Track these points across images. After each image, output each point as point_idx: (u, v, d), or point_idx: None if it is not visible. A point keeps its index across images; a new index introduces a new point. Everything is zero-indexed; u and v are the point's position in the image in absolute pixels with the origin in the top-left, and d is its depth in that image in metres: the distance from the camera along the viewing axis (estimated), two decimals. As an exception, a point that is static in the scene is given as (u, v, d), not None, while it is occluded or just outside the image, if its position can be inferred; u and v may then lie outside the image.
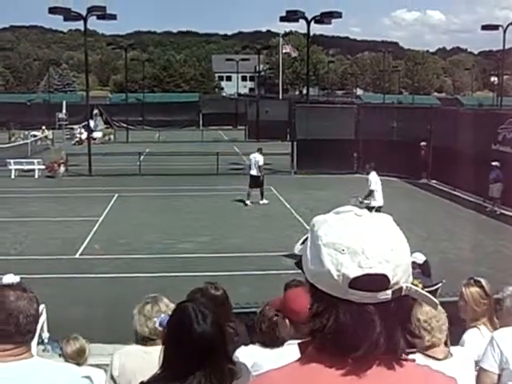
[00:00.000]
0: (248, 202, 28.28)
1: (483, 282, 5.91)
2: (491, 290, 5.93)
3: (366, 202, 21.11)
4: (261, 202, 28.48)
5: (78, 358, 7.41)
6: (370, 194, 21.38)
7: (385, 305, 1.77)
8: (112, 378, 5.06)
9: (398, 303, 1.79)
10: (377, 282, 1.74)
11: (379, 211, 20.77)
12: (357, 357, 1.76)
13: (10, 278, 9.22)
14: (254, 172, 28.91)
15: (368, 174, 21.97)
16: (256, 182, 28.78)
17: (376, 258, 1.74)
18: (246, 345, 5.78)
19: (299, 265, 1.97)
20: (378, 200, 21.32)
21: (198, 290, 6.14)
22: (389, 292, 1.76)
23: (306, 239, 1.90)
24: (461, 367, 4.61)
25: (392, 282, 1.76)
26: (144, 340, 5.26)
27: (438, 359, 4.62)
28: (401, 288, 1.79)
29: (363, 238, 1.77)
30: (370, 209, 20.56)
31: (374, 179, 21.53)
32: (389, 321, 1.77)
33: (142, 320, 5.27)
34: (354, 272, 1.73)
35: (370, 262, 1.74)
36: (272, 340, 5.02)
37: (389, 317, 1.77)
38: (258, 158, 29.06)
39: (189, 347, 3.50)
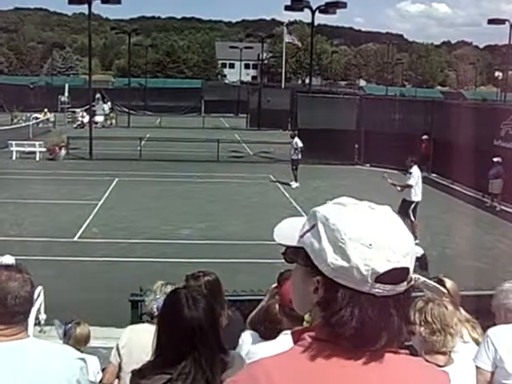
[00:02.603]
0: (297, 184, 30.07)
1: (448, 283, 5.88)
2: (455, 291, 5.89)
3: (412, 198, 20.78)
4: (293, 185, 30.18)
5: (83, 343, 7.50)
6: (407, 187, 20.92)
7: (398, 296, 1.79)
8: (117, 348, 5.45)
9: (405, 293, 1.81)
10: (401, 275, 1.77)
11: (417, 206, 20.68)
12: (375, 349, 1.78)
13: (7, 259, 9.25)
14: (300, 156, 30.83)
15: (410, 167, 21.18)
16: (298, 165, 30.72)
17: (401, 252, 1.76)
18: (241, 331, 5.83)
19: (289, 256, 1.97)
20: (418, 195, 20.89)
21: (190, 276, 6.16)
22: (405, 283, 1.79)
23: (309, 231, 1.87)
24: (461, 374, 4.54)
25: (410, 273, 1.80)
26: (152, 317, 5.43)
27: (439, 366, 4.52)
28: (411, 278, 1.82)
29: (386, 232, 1.78)
30: (410, 203, 20.42)
31: (417, 174, 21.00)
32: (400, 312, 1.80)
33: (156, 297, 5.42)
34: (383, 266, 1.74)
35: (396, 256, 1.75)
36: (272, 335, 5.13)
37: (400, 308, 1.80)
38: (300, 143, 30.93)
39: (179, 333, 3.50)
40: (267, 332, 5.35)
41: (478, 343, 5.29)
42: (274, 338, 5.18)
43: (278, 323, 5.18)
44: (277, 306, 5.29)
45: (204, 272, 6.21)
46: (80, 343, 7.40)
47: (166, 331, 3.59)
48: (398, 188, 20.85)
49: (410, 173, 21.01)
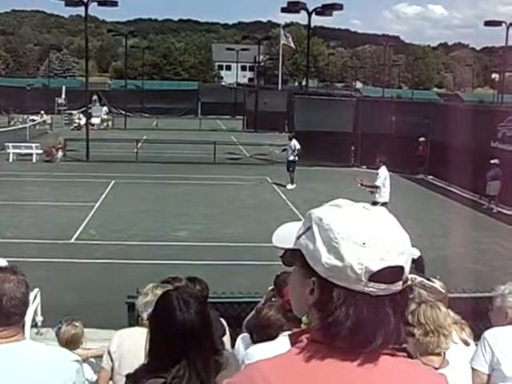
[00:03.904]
0: (293, 186, 30.10)
1: (437, 283, 5.85)
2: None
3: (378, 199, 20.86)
4: (288, 186, 30.20)
5: (65, 345, 7.34)
6: (374, 187, 21.13)
7: (394, 296, 1.79)
8: (109, 353, 5.35)
9: (402, 294, 1.81)
10: (395, 274, 1.77)
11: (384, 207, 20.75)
12: (371, 350, 1.77)
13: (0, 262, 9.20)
14: (296, 157, 30.90)
15: (378, 168, 21.56)
16: (294, 166, 30.65)
17: (395, 251, 1.77)
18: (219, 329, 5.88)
19: (286, 259, 1.97)
20: (383, 196, 21.04)
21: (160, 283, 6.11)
22: (400, 283, 1.79)
23: (304, 233, 1.87)
24: (457, 376, 4.52)
25: (405, 272, 1.80)
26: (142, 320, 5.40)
27: (434, 367, 4.48)
28: (407, 278, 1.82)
29: (380, 231, 1.78)
30: (375, 204, 20.47)
31: (384, 174, 21.23)
32: (397, 312, 1.80)
33: (147, 299, 5.40)
34: (376, 265, 1.74)
35: (390, 254, 1.75)
36: (263, 340, 5.19)
37: (397, 308, 1.80)
38: (298, 145, 30.93)
39: (172, 335, 3.48)
40: (259, 337, 5.37)
41: (466, 344, 5.28)
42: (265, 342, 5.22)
43: (268, 328, 5.21)
44: (267, 311, 5.31)
45: (173, 277, 6.20)
46: (62, 345, 7.26)
47: (158, 334, 3.56)
48: (368, 189, 21.03)
49: (378, 173, 21.36)
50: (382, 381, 1.77)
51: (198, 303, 3.63)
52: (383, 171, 21.23)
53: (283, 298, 5.12)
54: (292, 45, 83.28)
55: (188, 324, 3.48)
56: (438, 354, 4.49)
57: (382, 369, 1.78)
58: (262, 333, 5.32)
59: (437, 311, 4.53)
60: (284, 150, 33.12)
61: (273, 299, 6.25)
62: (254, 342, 5.43)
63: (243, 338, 5.63)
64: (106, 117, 63.86)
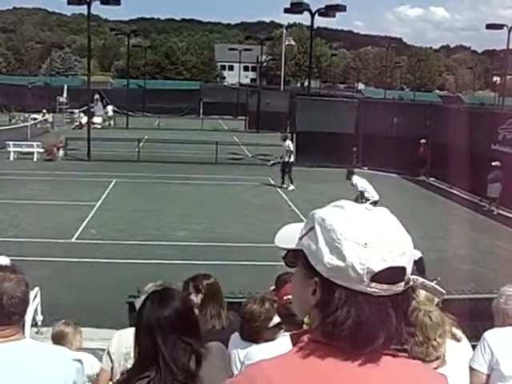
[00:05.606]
0: (293, 187, 29.98)
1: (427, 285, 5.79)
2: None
3: (368, 197, 21.42)
4: (289, 188, 30.14)
5: (52, 340, 7.29)
6: (363, 195, 21.77)
7: (396, 296, 1.79)
8: (108, 353, 5.45)
9: (404, 295, 1.82)
10: (397, 274, 1.77)
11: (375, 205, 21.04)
12: (372, 350, 1.77)
13: (1, 260, 9.20)
14: (292, 159, 30.88)
15: (350, 179, 22.91)
16: (291, 167, 30.56)
17: (397, 251, 1.77)
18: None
19: (289, 259, 1.97)
20: (372, 196, 21.69)
21: (190, 279, 6.18)
22: (402, 284, 1.80)
23: (307, 233, 1.88)
24: (456, 376, 4.51)
25: (407, 273, 1.80)
26: None
27: (433, 368, 4.46)
28: (409, 279, 1.82)
29: (382, 231, 1.79)
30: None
31: (357, 181, 22.55)
32: (398, 313, 1.80)
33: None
34: (378, 265, 1.74)
35: (392, 255, 1.76)
36: (250, 334, 5.24)
37: (398, 308, 1.80)
38: (292, 147, 31.16)
39: (149, 333, 3.53)
40: (244, 331, 5.39)
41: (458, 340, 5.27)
42: (252, 338, 5.24)
43: (252, 321, 5.24)
44: (251, 305, 5.34)
45: (203, 274, 6.24)
46: (52, 340, 7.20)
47: (138, 334, 3.61)
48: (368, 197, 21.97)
49: (353, 184, 22.71)
50: (383, 381, 1.77)
51: (176, 301, 3.68)
52: (356, 179, 22.64)
53: (279, 300, 5.13)
54: (292, 42, 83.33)
55: (163, 319, 3.54)
56: (437, 357, 4.49)
57: (382, 369, 1.78)
58: (247, 326, 5.34)
59: (427, 321, 4.48)
60: (273, 164, 33.40)
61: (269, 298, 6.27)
62: (243, 338, 5.44)
63: (234, 336, 5.67)
64: (111, 114, 63.94)
